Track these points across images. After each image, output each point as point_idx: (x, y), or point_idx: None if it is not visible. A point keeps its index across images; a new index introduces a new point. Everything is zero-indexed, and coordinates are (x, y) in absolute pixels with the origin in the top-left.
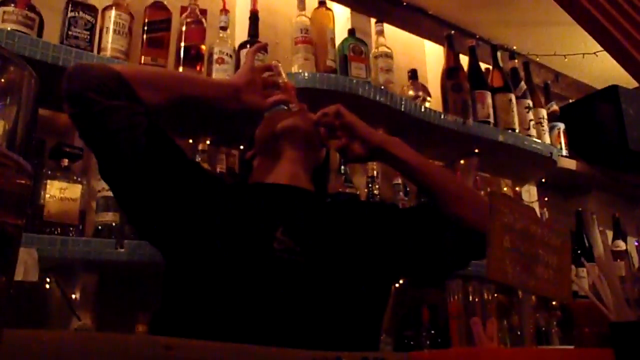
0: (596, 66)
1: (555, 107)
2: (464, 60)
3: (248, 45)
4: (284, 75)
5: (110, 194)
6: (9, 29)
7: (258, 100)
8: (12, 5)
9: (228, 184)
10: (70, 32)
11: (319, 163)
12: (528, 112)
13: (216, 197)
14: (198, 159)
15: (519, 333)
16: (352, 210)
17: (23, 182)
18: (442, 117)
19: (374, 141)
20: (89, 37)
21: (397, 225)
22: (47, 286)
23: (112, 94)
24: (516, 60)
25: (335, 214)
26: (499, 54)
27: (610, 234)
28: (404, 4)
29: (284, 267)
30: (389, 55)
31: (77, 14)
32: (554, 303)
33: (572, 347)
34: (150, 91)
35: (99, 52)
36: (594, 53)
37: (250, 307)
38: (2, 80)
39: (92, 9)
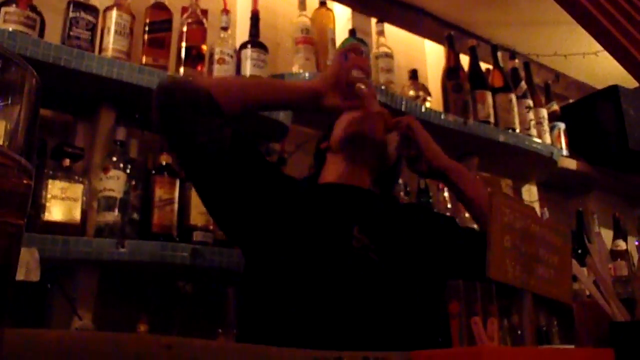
0: (597, 66)
1: (555, 107)
2: (465, 60)
3: (249, 46)
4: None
5: (111, 194)
6: (10, 29)
7: (337, 103)
8: (14, 5)
9: (302, 185)
10: (71, 33)
11: (387, 167)
12: (528, 112)
13: (295, 198)
14: None
15: (519, 332)
16: (416, 214)
17: (25, 182)
18: (443, 117)
19: (436, 164)
20: (90, 37)
21: (453, 236)
22: (49, 286)
23: (202, 111)
24: (516, 60)
25: (402, 215)
26: (499, 54)
27: (610, 234)
28: (405, 4)
29: (363, 263)
30: (389, 55)
31: (78, 15)
32: (554, 303)
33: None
34: (237, 104)
35: (100, 52)
36: (595, 53)
37: (332, 303)
38: (4, 80)
39: (93, 10)
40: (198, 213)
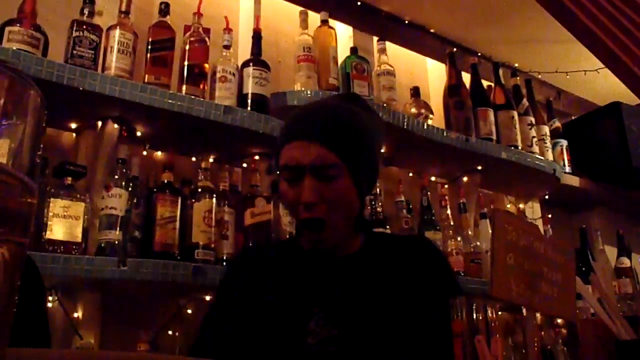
0: (598, 83)
1: (557, 124)
2: (466, 77)
3: (251, 64)
4: None
5: (113, 212)
6: (14, 48)
7: None
8: (18, 25)
9: (272, 260)
10: (75, 52)
11: (357, 212)
12: (530, 129)
13: (256, 301)
14: (201, 176)
15: (524, 351)
16: (394, 283)
17: (28, 200)
18: (445, 134)
19: None
20: (93, 56)
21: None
22: (50, 304)
23: None
24: (518, 78)
25: (373, 287)
26: (500, 71)
27: (614, 251)
28: (406, 22)
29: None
30: (391, 73)
31: (81, 34)
32: (559, 321)
33: None
34: None
35: (103, 70)
36: (596, 70)
37: None
38: (8, 99)
39: (96, 29)
40: (200, 231)
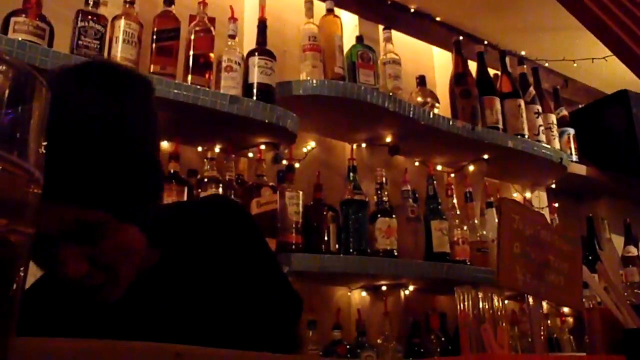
0: (605, 71)
1: (564, 112)
2: (473, 66)
3: (256, 53)
4: None
5: None
6: (20, 39)
7: None
8: (23, 15)
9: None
10: (80, 42)
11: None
12: (537, 117)
13: None
14: (207, 166)
15: (530, 340)
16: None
17: (34, 191)
18: (451, 123)
19: None
20: (98, 46)
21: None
22: None
23: None
24: (525, 66)
25: None
26: (507, 59)
27: (621, 240)
28: (412, 10)
29: None
30: (397, 62)
31: (87, 24)
32: (565, 310)
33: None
34: None
35: None
36: (603, 58)
37: None
38: (14, 90)
39: (101, 19)
40: None
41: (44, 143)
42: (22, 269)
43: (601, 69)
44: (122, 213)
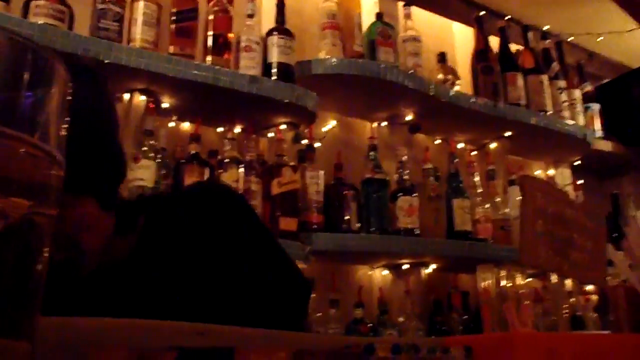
0: (631, 44)
1: (589, 87)
2: (494, 41)
3: (275, 32)
4: None
5: (142, 183)
6: (40, 22)
7: None
8: None
9: None
10: (100, 24)
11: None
12: (561, 93)
13: None
14: (228, 146)
15: (553, 318)
16: None
17: (56, 173)
18: (473, 100)
19: None
20: (118, 28)
21: None
22: None
23: None
24: (548, 41)
25: None
26: (530, 34)
27: None
28: None
29: None
30: (417, 39)
31: (106, 6)
32: (589, 287)
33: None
34: None
35: (128, 42)
36: (629, 31)
37: None
38: (34, 73)
39: (120, 1)
40: None
41: (65, 125)
42: (45, 249)
43: (627, 42)
44: (75, 186)
